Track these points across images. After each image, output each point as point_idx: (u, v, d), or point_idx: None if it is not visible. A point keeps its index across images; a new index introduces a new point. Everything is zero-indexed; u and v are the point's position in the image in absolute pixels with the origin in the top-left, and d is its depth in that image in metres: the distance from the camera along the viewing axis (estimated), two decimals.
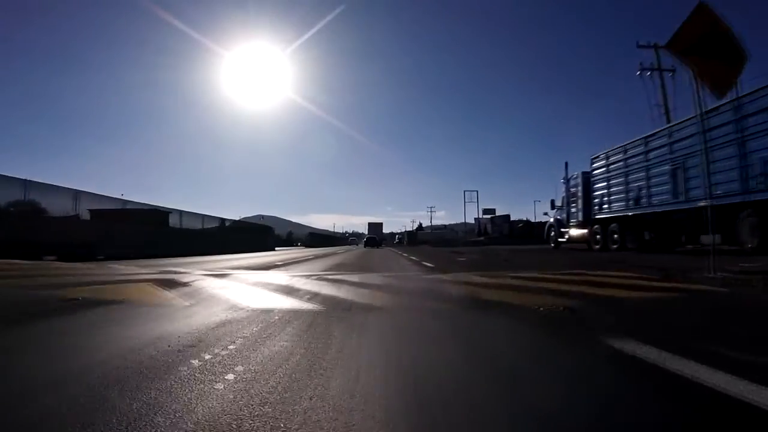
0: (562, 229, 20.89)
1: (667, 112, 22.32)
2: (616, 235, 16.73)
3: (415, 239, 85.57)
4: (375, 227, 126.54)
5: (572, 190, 20.10)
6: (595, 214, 17.95)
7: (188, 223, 25.74)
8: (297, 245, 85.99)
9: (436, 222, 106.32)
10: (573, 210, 19.96)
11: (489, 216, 76.40)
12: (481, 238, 52.05)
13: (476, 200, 72.86)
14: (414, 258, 13.95)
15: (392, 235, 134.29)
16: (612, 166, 17.01)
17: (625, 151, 16.28)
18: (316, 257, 15.18)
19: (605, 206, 17.34)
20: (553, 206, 21.94)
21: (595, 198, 18.08)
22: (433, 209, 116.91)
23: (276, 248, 34.34)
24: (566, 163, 20.85)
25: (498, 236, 49.69)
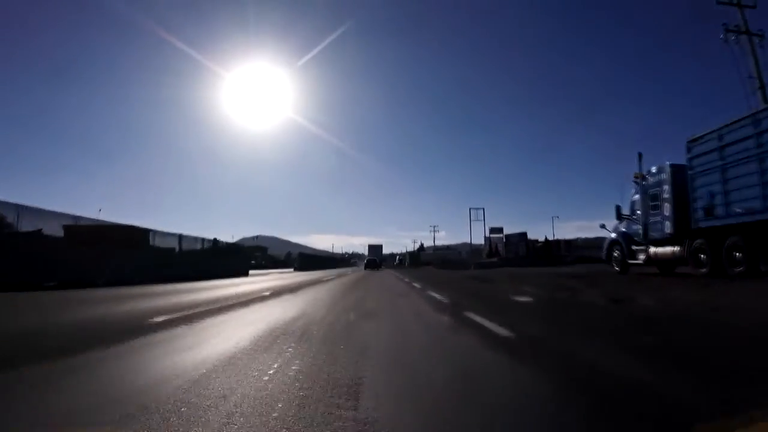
0: (635, 247, 14.90)
1: (762, 87, 16.62)
2: (738, 253, 10.87)
3: (418, 260, 79.45)
4: (375, 249, 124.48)
5: (652, 191, 14.22)
6: (699, 223, 12.07)
7: (166, 243, 21.92)
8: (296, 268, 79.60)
9: (437, 242, 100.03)
10: (654, 219, 14.04)
11: (498, 235, 70.44)
12: (494, 260, 45.90)
13: (483, 218, 66.94)
14: (440, 297, 7.99)
15: (392, 256, 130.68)
16: (731, 149, 11.18)
17: (757, 123, 10.52)
18: (270, 297, 9.07)
19: (719, 209, 11.46)
20: (618, 215, 15.93)
21: (696, 200, 12.20)
22: (436, 228, 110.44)
23: (251, 272, 28.10)
24: (640, 155, 15.00)
25: (513, 257, 43.51)
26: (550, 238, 59.91)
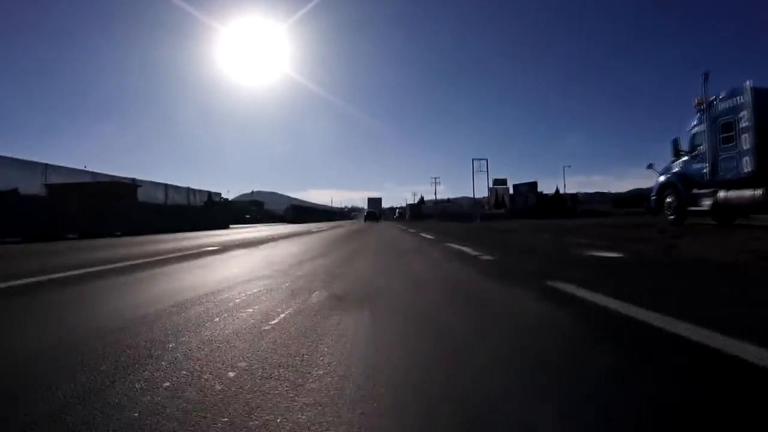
0: (696, 191, 11.98)
1: None
2: None
3: (419, 213, 76.87)
4: (374, 202, 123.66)
5: (724, 119, 11.16)
6: None
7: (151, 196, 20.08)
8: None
9: (436, 196, 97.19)
10: (727, 155, 11.06)
11: (503, 186, 67.70)
12: (501, 211, 43.13)
13: (486, 169, 63.51)
14: (474, 252, 5.25)
15: (392, 209, 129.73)
16: None
17: None
18: (212, 253, 6.14)
19: None
20: (675, 152, 12.86)
21: None
22: (437, 180, 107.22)
23: (235, 226, 25.14)
24: (706, 75, 11.82)
25: (521, 208, 40.51)
26: (555, 190, 56.83)
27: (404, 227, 19.37)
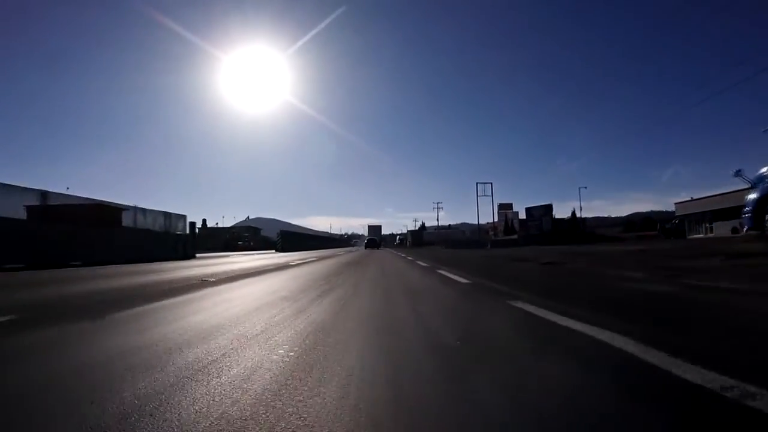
0: None
1: None
2: None
3: (421, 240, 73.54)
4: (374, 229, 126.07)
5: None
6: None
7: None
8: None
9: (437, 223, 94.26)
10: None
11: (509, 210, 64.67)
12: (514, 237, 39.64)
13: (491, 193, 60.33)
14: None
15: (392, 236, 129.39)
16: None
17: None
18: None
19: None
20: None
21: None
22: (440, 205, 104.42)
23: (198, 255, 20.80)
24: None
25: (537, 234, 36.95)
26: (571, 213, 53.46)
27: (409, 257, 15.95)
